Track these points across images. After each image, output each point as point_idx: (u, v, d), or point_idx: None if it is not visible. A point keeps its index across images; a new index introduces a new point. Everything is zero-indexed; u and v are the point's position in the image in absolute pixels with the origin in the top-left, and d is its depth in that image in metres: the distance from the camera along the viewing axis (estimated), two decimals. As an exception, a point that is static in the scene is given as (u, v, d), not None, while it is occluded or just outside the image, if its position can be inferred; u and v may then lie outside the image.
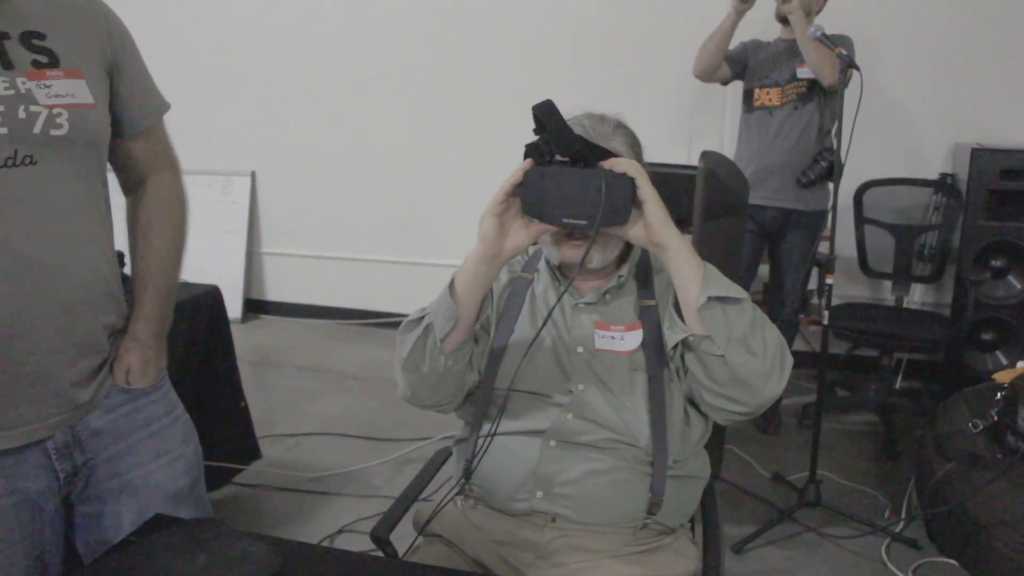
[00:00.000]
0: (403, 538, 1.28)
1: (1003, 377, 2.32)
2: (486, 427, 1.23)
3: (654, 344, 1.22)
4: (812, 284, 3.23)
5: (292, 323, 4.39)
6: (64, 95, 1.04)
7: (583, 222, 1.07)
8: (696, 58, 2.93)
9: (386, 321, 4.23)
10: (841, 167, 2.26)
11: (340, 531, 2.30)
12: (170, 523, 1.03)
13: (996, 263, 2.96)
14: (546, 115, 1.04)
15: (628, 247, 1.30)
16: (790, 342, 2.88)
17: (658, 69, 3.58)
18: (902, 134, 3.40)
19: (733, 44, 2.91)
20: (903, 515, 2.40)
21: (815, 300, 3.25)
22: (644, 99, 3.58)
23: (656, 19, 3.58)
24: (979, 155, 2.97)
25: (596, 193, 1.05)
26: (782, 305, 2.96)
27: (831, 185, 2.37)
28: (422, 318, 1.18)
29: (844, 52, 2.27)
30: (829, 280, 2.30)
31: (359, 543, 2.19)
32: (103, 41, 1.13)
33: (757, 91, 2.91)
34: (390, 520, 1.30)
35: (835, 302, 2.51)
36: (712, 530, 1.33)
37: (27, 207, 1.01)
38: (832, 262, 2.30)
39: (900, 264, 3.16)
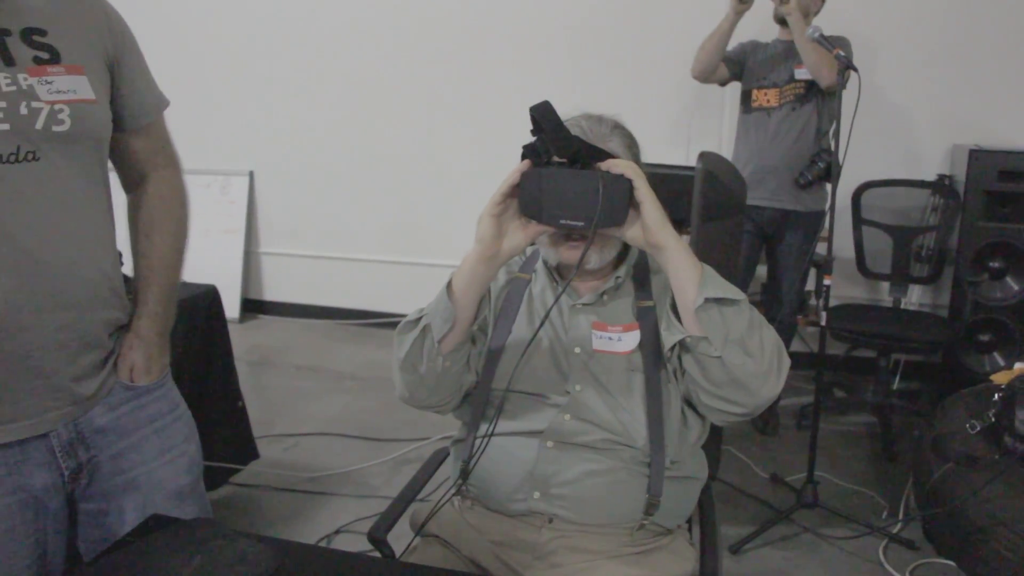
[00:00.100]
0: (400, 538, 1.28)
1: (1001, 378, 2.32)
2: (483, 428, 1.23)
3: (651, 345, 1.23)
4: (810, 285, 3.23)
5: (290, 323, 4.39)
6: (66, 91, 1.05)
7: (580, 223, 1.07)
8: (694, 59, 2.93)
9: (384, 321, 4.23)
10: (839, 168, 2.26)
11: (338, 531, 2.30)
12: (167, 523, 1.03)
13: (994, 264, 2.96)
14: (543, 116, 1.04)
15: (626, 248, 1.30)
16: (788, 343, 2.88)
17: (656, 70, 3.58)
18: (900, 135, 3.41)
19: (731, 45, 2.91)
20: (901, 516, 2.40)
21: (813, 301, 3.25)
22: (642, 100, 3.58)
23: (654, 20, 3.59)
24: (977, 156, 2.97)
25: (593, 194, 1.05)
26: (780, 306, 2.96)
27: (829, 186, 2.38)
28: (419, 319, 1.18)
29: (842, 53, 2.27)
30: (827, 281, 2.31)
31: (357, 543, 2.18)
32: (104, 37, 1.13)
33: (755, 92, 2.92)
34: (387, 521, 1.30)
35: (833, 303, 2.51)
36: (710, 531, 1.33)
37: (30, 203, 1.02)
38: (830, 263, 2.30)
39: (898, 265, 3.17)
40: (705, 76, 2.96)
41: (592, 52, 3.71)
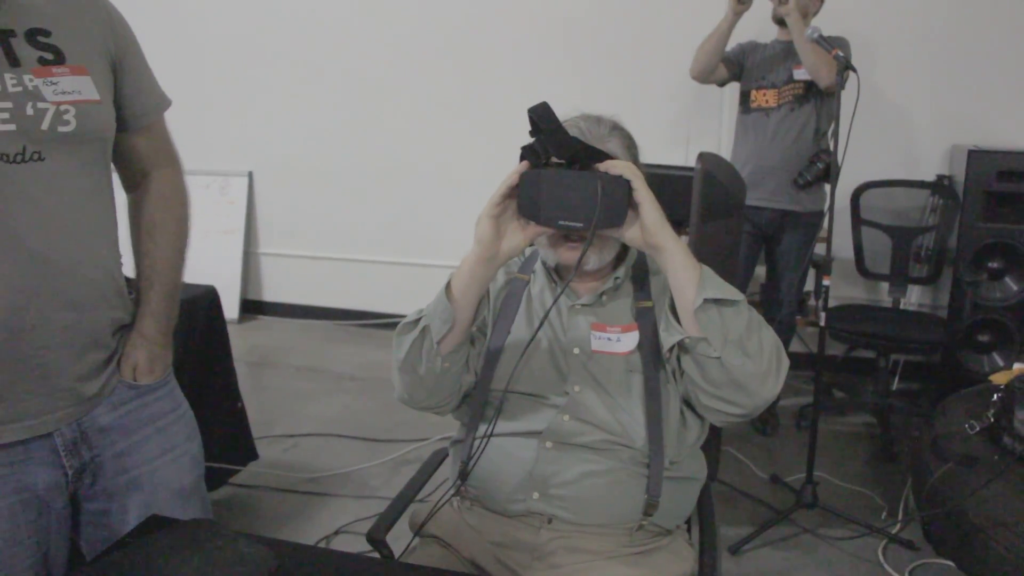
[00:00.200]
0: (400, 539, 1.28)
1: (1000, 379, 2.32)
2: (482, 428, 1.23)
3: (650, 346, 1.23)
4: (809, 285, 3.23)
5: (289, 324, 4.39)
6: (71, 92, 1.05)
7: (579, 224, 1.07)
8: (693, 59, 2.93)
9: (383, 322, 4.23)
10: (838, 168, 2.26)
11: (337, 532, 2.29)
12: (166, 524, 1.03)
13: (993, 265, 2.97)
14: (542, 117, 1.04)
15: (624, 249, 1.30)
16: (787, 344, 2.88)
17: (655, 70, 3.58)
18: (899, 136, 3.41)
19: (730, 45, 2.91)
20: (900, 516, 2.40)
21: (812, 301, 3.25)
22: (641, 100, 3.58)
23: (653, 20, 3.59)
24: (976, 157, 2.97)
25: (592, 195, 1.05)
26: (779, 307, 2.96)
27: (828, 186, 2.38)
28: (418, 320, 1.18)
29: (841, 54, 2.27)
30: (826, 281, 2.30)
31: (356, 544, 2.18)
32: (107, 37, 1.14)
33: (754, 92, 2.92)
34: (386, 521, 1.30)
35: (832, 303, 2.51)
36: (709, 531, 1.33)
37: (35, 203, 1.02)
38: (829, 263, 2.30)
39: (897, 265, 3.17)
40: (704, 76, 2.96)
41: (591, 52, 3.71)
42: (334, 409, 3.22)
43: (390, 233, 4.22)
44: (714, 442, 1.46)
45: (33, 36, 1.05)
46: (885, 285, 3.30)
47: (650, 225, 1.07)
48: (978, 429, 2.19)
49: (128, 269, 1.24)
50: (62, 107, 1.04)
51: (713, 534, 1.31)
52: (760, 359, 1.08)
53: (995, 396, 2.20)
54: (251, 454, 2.43)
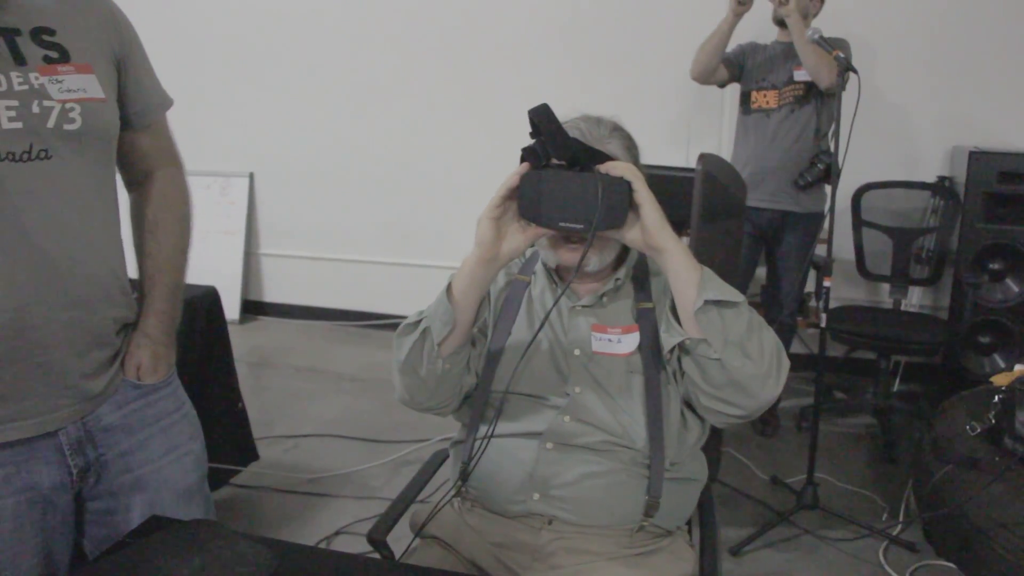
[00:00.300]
0: (400, 540, 1.28)
1: (1001, 380, 2.32)
2: (483, 429, 1.23)
3: (651, 347, 1.23)
4: (810, 287, 3.23)
5: (290, 324, 4.39)
6: (76, 90, 1.06)
7: (580, 226, 1.07)
8: (693, 60, 2.93)
9: (384, 323, 4.23)
10: (839, 169, 2.26)
11: (337, 533, 2.30)
12: (167, 524, 1.03)
13: (994, 266, 2.97)
14: (542, 119, 1.04)
15: (625, 250, 1.30)
16: (787, 345, 2.88)
17: (655, 71, 3.58)
18: (900, 137, 3.41)
19: (730, 46, 2.91)
20: (901, 518, 2.40)
21: (813, 303, 3.26)
22: (641, 101, 3.58)
23: (653, 21, 3.59)
24: (977, 158, 2.97)
25: (593, 197, 1.05)
26: (779, 308, 2.96)
27: (828, 187, 2.38)
28: (419, 322, 1.18)
29: (841, 55, 2.27)
30: (826, 283, 2.31)
31: (356, 545, 2.18)
32: (110, 35, 1.14)
33: (754, 93, 2.92)
34: (387, 522, 1.31)
35: (833, 305, 2.51)
36: (709, 532, 1.33)
37: (41, 200, 1.03)
38: (830, 264, 2.30)
39: (898, 267, 3.17)
40: (704, 77, 2.96)
41: (591, 53, 3.71)
42: (335, 410, 3.22)
43: (391, 234, 4.22)
44: (715, 443, 1.46)
45: (38, 35, 1.05)
46: (886, 286, 3.30)
47: (650, 226, 1.07)
48: (979, 431, 2.19)
49: (130, 269, 1.25)
50: (67, 105, 1.04)
51: (714, 535, 1.32)
52: (761, 360, 1.08)
53: (996, 398, 2.20)
54: (252, 454, 2.43)
